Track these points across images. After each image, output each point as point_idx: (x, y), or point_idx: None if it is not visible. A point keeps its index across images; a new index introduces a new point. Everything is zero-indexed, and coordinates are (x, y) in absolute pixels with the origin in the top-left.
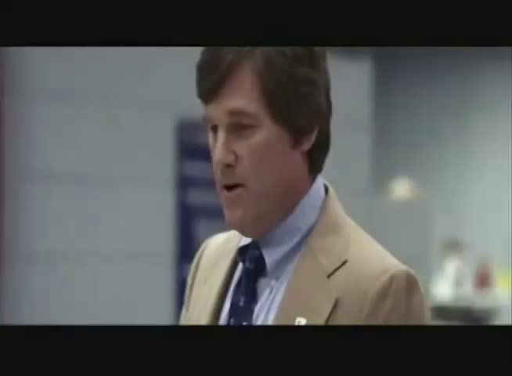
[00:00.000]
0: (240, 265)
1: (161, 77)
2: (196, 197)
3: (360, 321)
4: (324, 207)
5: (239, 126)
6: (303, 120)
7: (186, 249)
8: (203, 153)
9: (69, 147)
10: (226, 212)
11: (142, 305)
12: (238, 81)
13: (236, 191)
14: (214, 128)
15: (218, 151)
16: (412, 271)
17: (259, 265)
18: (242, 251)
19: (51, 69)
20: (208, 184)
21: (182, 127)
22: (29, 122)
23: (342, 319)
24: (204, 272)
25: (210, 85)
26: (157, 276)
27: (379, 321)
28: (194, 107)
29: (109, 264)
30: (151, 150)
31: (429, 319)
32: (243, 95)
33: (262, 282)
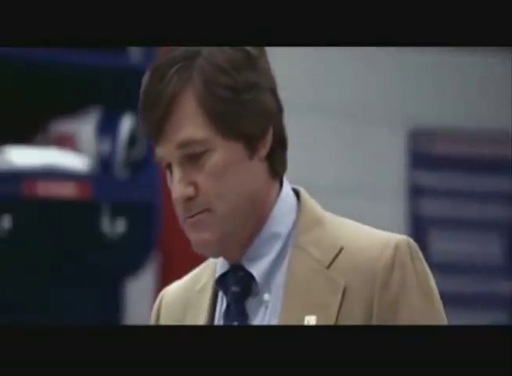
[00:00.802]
0: (220, 297)
1: (393, 86)
2: (428, 208)
3: (373, 300)
4: (300, 206)
5: (192, 156)
6: (253, 127)
7: None
8: (436, 163)
9: (306, 158)
10: (192, 237)
11: None
12: (180, 111)
13: (199, 216)
14: (169, 166)
15: (176, 188)
16: (411, 239)
17: (246, 285)
18: (221, 281)
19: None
20: (441, 194)
21: (414, 136)
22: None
23: (354, 306)
24: (173, 319)
25: (154, 125)
26: None
27: (392, 294)
28: (427, 116)
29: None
30: (383, 159)
31: (435, 286)
32: (188, 125)
33: (253, 301)
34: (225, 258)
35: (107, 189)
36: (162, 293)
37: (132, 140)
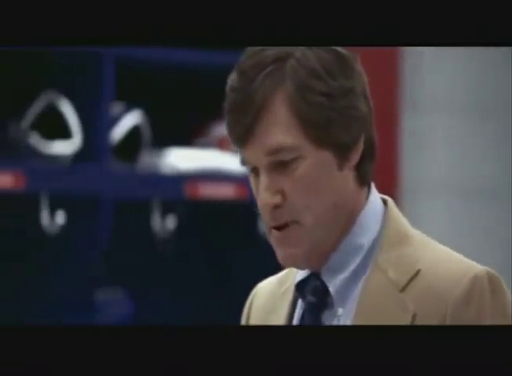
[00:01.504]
0: (300, 303)
1: None
2: None
3: None
4: (386, 218)
5: (281, 163)
6: (347, 135)
7: None
8: None
9: (461, 160)
10: (278, 252)
11: None
12: (271, 117)
13: (287, 229)
14: (255, 170)
15: (264, 194)
16: (492, 270)
17: (322, 297)
18: (300, 286)
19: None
20: None
21: None
22: (427, 135)
23: None
24: (258, 321)
25: (244, 129)
26: None
27: None
28: None
29: None
30: None
31: None
32: (279, 131)
33: (327, 314)
34: (307, 267)
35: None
36: (255, 290)
37: None
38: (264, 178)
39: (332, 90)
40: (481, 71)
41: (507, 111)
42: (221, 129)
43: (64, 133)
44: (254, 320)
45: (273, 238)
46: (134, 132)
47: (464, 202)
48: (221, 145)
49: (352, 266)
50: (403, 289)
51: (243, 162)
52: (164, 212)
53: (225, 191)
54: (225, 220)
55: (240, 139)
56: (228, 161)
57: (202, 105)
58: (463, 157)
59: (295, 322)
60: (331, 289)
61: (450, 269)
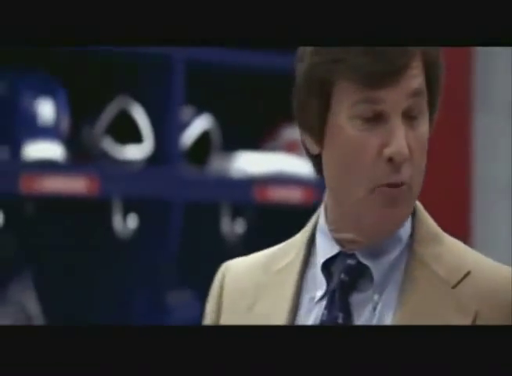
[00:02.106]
0: (310, 282)
1: None
2: None
3: None
4: (417, 215)
5: (411, 112)
6: (436, 112)
7: None
8: None
9: None
10: (381, 212)
11: None
12: (414, 68)
13: (400, 189)
14: (378, 115)
15: (402, 142)
16: None
17: (356, 278)
18: (327, 265)
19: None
20: None
21: None
22: (495, 135)
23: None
24: (241, 299)
25: (391, 67)
26: None
27: None
28: None
29: None
30: None
31: None
32: (419, 77)
33: (360, 297)
34: (353, 241)
35: None
36: (223, 268)
37: None
38: (400, 125)
39: (442, 64)
40: None
41: None
42: (290, 132)
43: (136, 138)
44: (233, 299)
45: (384, 195)
46: (204, 136)
47: None
48: (289, 148)
49: (393, 255)
50: (455, 286)
51: (374, 102)
52: (234, 216)
53: (293, 195)
54: (293, 224)
55: (385, 77)
56: (296, 165)
57: (271, 108)
58: None
59: (307, 302)
60: (374, 271)
61: (499, 270)
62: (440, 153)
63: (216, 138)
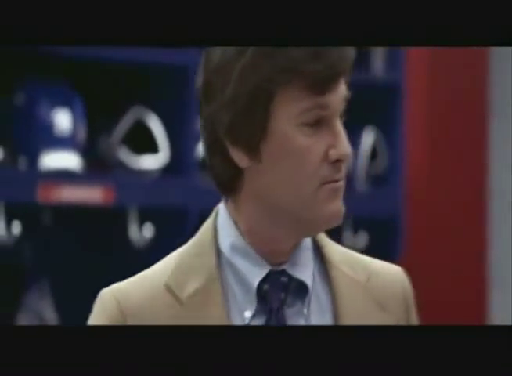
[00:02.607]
0: (234, 304)
1: None
2: None
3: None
4: None
5: (341, 117)
6: None
7: None
8: None
9: None
10: (331, 206)
11: None
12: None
13: (341, 183)
14: (322, 121)
15: (346, 143)
16: None
17: (291, 293)
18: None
19: None
20: None
21: None
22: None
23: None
24: (145, 322)
25: (340, 73)
26: None
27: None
28: None
29: None
30: None
31: None
32: (346, 85)
33: (292, 311)
34: (276, 250)
35: (349, 202)
36: (113, 299)
37: (374, 153)
38: (341, 128)
39: None
40: None
41: None
42: None
43: (152, 148)
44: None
45: (329, 191)
46: None
47: None
48: None
49: (310, 262)
50: (366, 284)
51: (321, 108)
52: None
53: None
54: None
55: (331, 82)
56: None
57: None
58: None
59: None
60: (308, 285)
61: (386, 266)
62: (456, 159)
63: None
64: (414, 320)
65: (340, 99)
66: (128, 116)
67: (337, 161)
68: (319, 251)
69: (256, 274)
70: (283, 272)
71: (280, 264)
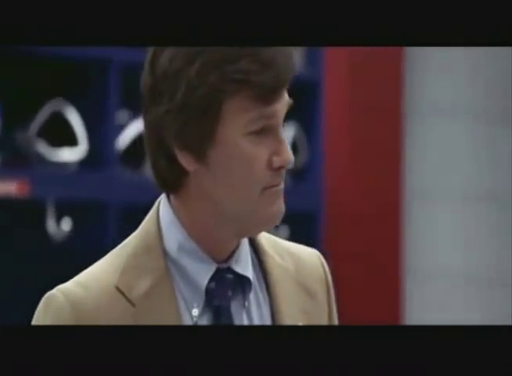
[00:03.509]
0: (184, 302)
1: None
2: None
3: (328, 305)
4: None
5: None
6: None
7: None
8: None
9: (462, 165)
10: (274, 207)
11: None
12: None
13: (281, 186)
14: (267, 130)
15: (289, 153)
16: None
17: (237, 290)
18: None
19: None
20: None
21: None
22: (427, 140)
23: (322, 310)
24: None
25: (282, 83)
26: None
27: (332, 303)
28: None
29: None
30: None
31: None
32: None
33: (235, 306)
34: (222, 249)
35: None
36: (62, 299)
37: (295, 148)
38: (284, 136)
39: None
40: (487, 73)
41: (509, 113)
42: None
43: (70, 141)
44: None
45: (271, 194)
46: (140, 139)
47: (466, 206)
48: None
49: (248, 254)
50: (294, 272)
51: (267, 117)
52: None
53: None
54: None
55: (278, 92)
56: None
57: None
58: (468, 162)
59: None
60: (251, 279)
61: (306, 250)
62: (372, 156)
63: None
64: (333, 302)
65: (285, 107)
66: (45, 109)
67: (280, 168)
68: (251, 241)
69: (204, 273)
70: (229, 270)
71: (225, 261)
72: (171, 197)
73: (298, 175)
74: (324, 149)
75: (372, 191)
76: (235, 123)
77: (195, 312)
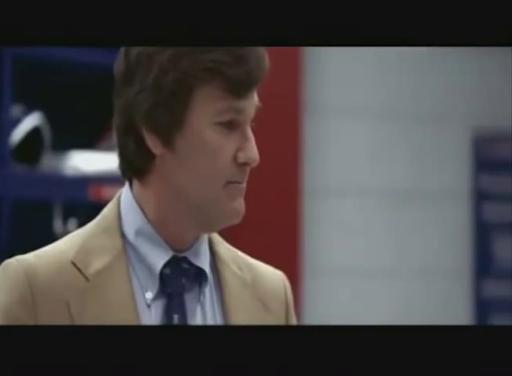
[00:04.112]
0: (139, 283)
1: (453, 87)
2: (492, 212)
3: (286, 320)
4: None
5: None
6: None
7: (484, 265)
8: (500, 167)
9: (361, 163)
10: (235, 203)
11: (438, 322)
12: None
13: (244, 184)
14: (235, 125)
15: (255, 150)
16: None
17: (192, 280)
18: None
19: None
20: (507, 198)
21: (478, 140)
22: (326, 138)
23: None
24: (61, 305)
25: (254, 80)
26: (455, 293)
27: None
28: (491, 119)
29: (401, 279)
30: (446, 164)
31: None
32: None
33: (190, 297)
34: (179, 239)
35: None
36: (21, 269)
37: None
38: (251, 134)
39: None
40: (390, 73)
41: (409, 112)
42: None
43: None
44: (48, 311)
45: (233, 190)
46: (34, 134)
47: (361, 202)
48: None
49: (208, 254)
50: (252, 283)
51: (237, 112)
52: (66, 215)
53: None
54: None
55: (248, 88)
56: None
57: (104, 107)
58: (367, 160)
59: (142, 304)
60: (207, 272)
61: (269, 270)
62: (270, 156)
63: (47, 136)
64: (293, 323)
65: (253, 107)
66: None
67: (244, 164)
68: (211, 247)
69: (159, 258)
70: (185, 259)
71: (182, 251)
72: (134, 183)
73: None
74: None
75: (269, 192)
76: (204, 111)
77: (149, 295)
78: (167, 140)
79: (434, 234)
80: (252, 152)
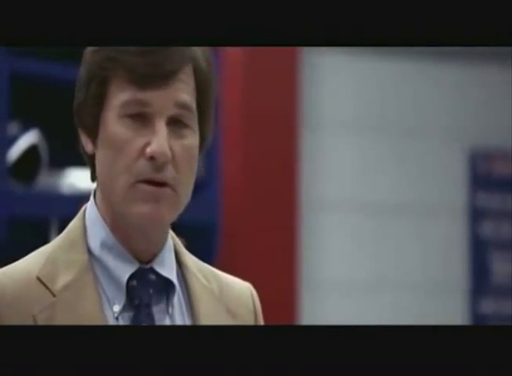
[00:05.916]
0: (106, 297)
1: (450, 103)
2: (489, 229)
3: None
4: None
5: (178, 122)
6: (209, 131)
7: (481, 282)
8: (496, 184)
9: (358, 177)
10: (144, 207)
11: None
12: (184, 79)
13: (163, 189)
14: (145, 116)
15: (163, 142)
16: None
17: (159, 291)
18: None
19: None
20: (503, 216)
21: (474, 156)
22: (323, 152)
23: None
24: (24, 317)
25: (164, 73)
26: (450, 308)
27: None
28: (487, 135)
29: (398, 294)
30: (442, 180)
31: None
32: (188, 92)
33: (159, 308)
34: (142, 249)
35: None
36: None
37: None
38: (163, 128)
39: (213, 84)
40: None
41: (406, 127)
42: None
43: None
44: (15, 323)
45: (142, 192)
46: (31, 152)
47: (362, 218)
48: None
49: (174, 264)
50: (219, 294)
51: (138, 103)
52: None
53: None
54: None
55: (153, 80)
56: None
57: None
58: (363, 173)
59: (111, 318)
60: (175, 283)
61: (236, 280)
62: (267, 170)
63: (44, 153)
64: None
65: (168, 101)
66: None
67: (151, 159)
68: (177, 258)
69: (125, 271)
70: (151, 270)
71: (148, 262)
72: (97, 194)
73: (195, 189)
74: (220, 162)
75: (267, 202)
76: (113, 104)
77: (116, 307)
78: (92, 138)
79: (426, 249)
80: (158, 146)
